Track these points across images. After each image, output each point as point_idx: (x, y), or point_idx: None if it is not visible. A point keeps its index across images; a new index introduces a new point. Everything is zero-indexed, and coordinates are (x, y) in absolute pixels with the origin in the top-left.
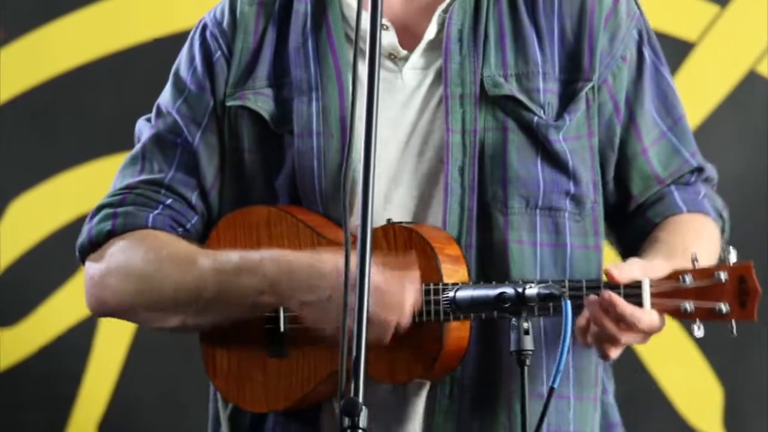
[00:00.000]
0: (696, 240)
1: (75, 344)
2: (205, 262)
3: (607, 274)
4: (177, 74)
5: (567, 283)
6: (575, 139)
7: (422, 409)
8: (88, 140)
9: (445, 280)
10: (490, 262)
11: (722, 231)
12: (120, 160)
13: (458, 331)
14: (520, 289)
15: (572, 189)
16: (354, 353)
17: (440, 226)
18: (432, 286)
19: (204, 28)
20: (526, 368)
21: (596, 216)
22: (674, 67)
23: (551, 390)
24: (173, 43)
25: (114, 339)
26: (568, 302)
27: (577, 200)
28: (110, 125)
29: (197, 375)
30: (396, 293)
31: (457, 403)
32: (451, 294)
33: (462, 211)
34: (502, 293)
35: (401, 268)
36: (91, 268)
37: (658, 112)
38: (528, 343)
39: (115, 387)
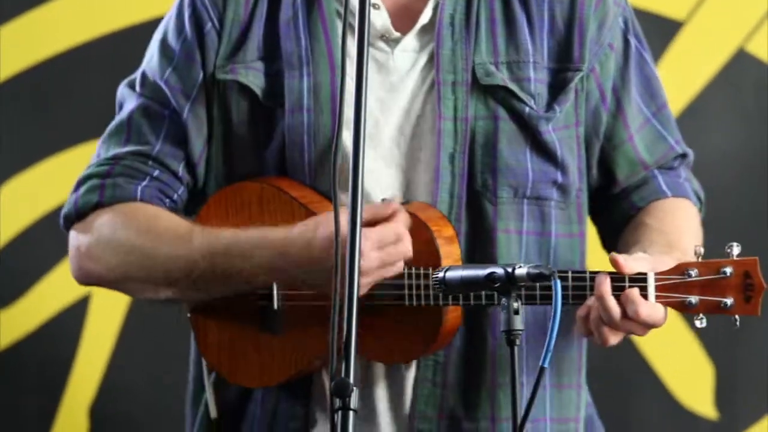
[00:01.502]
0: (687, 227)
1: (66, 328)
2: (198, 239)
3: (613, 260)
4: (165, 42)
5: (570, 274)
6: (564, 128)
7: (408, 395)
8: (82, 121)
9: (443, 262)
10: (478, 249)
11: (699, 212)
12: None
13: (454, 311)
14: (509, 269)
15: (560, 179)
16: (345, 333)
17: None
18: (430, 271)
19: None
20: (516, 348)
21: (580, 203)
22: (663, 46)
23: (541, 369)
24: None
25: (105, 323)
26: (558, 282)
27: (563, 189)
28: (105, 106)
29: (187, 358)
30: (392, 244)
31: (440, 389)
32: (440, 275)
33: (452, 199)
34: (491, 273)
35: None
36: (77, 238)
37: (642, 99)
38: (518, 323)
39: (106, 371)
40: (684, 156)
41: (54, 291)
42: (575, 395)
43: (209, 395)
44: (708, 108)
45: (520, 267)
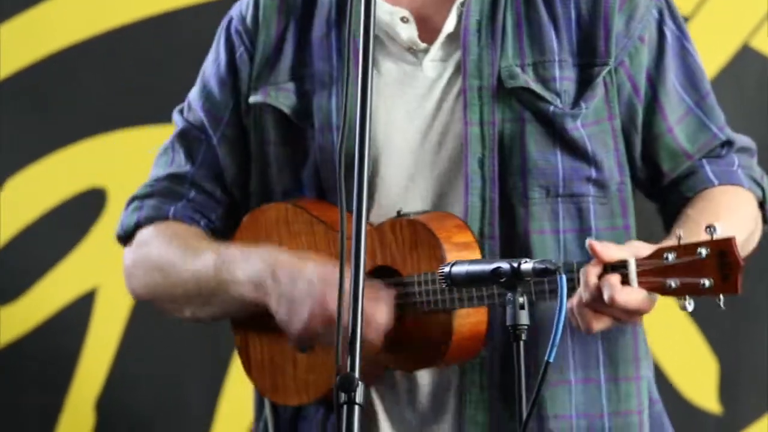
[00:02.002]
0: (727, 215)
1: (69, 324)
2: (208, 257)
3: (590, 247)
4: (204, 70)
5: (561, 265)
6: (594, 123)
7: (454, 401)
8: (83, 119)
9: None
10: (513, 252)
11: (761, 199)
12: (116, 137)
13: (471, 317)
14: (515, 264)
15: (594, 174)
16: (350, 327)
17: (460, 217)
18: (437, 276)
19: (230, 23)
20: (522, 343)
21: (624, 196)
22: None
23: (547, 364)
24: (168, 21)
25: (111, 317)
26: (563, 276)
27: (600, 184)
28: (106, 103)
29: (194, 353)
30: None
31: (487, 392)
32: (446, 269)
33: (483, 204)
34: (497, 268)
35: (373, 290)
36: (125, 256)
37: (684, 88)
38: (523, 317)
39: (113, 365)
40: (730, 143)
41: (56, 288)
42: (634, 388)
43: (269, 417)
44: None
45: (526, 262)
